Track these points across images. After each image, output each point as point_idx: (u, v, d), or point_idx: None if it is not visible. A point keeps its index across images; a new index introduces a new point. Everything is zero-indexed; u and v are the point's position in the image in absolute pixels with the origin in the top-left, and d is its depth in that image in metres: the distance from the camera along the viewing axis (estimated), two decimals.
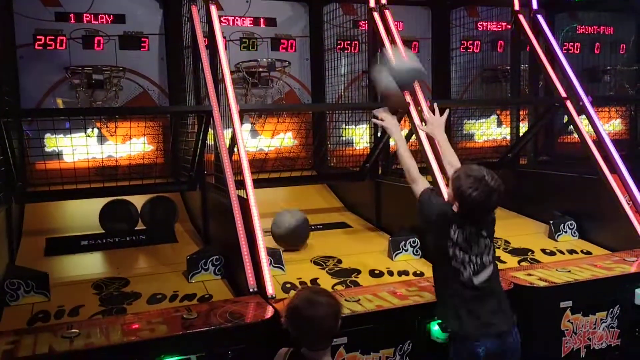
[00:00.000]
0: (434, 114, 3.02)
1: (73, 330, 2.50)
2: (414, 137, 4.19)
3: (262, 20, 5.48)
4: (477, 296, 2.56)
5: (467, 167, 2.61)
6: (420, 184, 2.74)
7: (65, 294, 3.19)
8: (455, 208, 2.59)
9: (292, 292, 3.21)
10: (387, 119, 2.98)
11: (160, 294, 3.21)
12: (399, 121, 4.26)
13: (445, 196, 2.71)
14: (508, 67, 5.64)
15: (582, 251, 4.06)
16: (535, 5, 5.00)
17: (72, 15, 4.87)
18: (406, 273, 3.57)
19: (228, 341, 2.55)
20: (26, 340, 2.44)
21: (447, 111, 3.03)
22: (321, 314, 2.11)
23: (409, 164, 2.80)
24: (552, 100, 4.78)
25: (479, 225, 2.59)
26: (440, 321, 2.71)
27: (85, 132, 4.37)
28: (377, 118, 3.02)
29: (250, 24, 5.45)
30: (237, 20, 5.41)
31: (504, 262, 3.77)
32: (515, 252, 4.00)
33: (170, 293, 3.23)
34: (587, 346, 3.23)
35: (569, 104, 4.57)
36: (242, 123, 3.73)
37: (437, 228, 2.63)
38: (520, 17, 4.95)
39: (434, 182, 3.83)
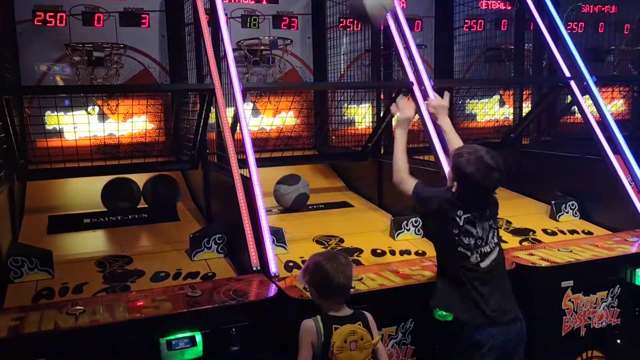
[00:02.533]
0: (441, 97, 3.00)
1: (78, 307, 2.51)
2: (417, 116, 4.18)
3: None
4: (485, 281, 2.53)
5: (466, 146, 2.62)
6: (410, 182, 2.73)
7: (69, 272, 3.20)
8: (454, 189, 2.58)
9: (295, 271, 3.23)
10: (404, 111, 2.91)
11: (163, 271, 3.23)
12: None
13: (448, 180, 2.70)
14: (512, 47, 5.59)
15: (583, 231, 4.08)
16: None
17: None
18: (408, 252, 3.59)
19: (232, 319, 2.56)
20: (31, 317, 2.45)
21: (447, 95, 3.00)
22: (341, 263, 2.44)
23: (402, 164, 2.77)
24: (556, 80, 4.75)
25: (482, 208, 2.58)
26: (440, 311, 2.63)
27: (87, 110, 4.34)
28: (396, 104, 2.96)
29: (251, 1, 5.39)
30: None
31: (506, 242, 3.78)
32: (516, 232, 4.01)
33: (174, 271, 3.24)
34: (588, 325, 3.26)
35: (573, 84, 4.55)
36: (244, 101, 3.70)
37: (439, 215, 2.60)
38: None
39: (436, 162, 3.83)
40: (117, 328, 2.42)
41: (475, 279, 2.53)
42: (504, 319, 2.53)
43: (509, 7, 5.15)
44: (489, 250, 2.57)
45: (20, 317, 2.45)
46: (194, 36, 4.30)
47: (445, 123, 3.03)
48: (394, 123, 4.62)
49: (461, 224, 2.54)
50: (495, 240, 2.61)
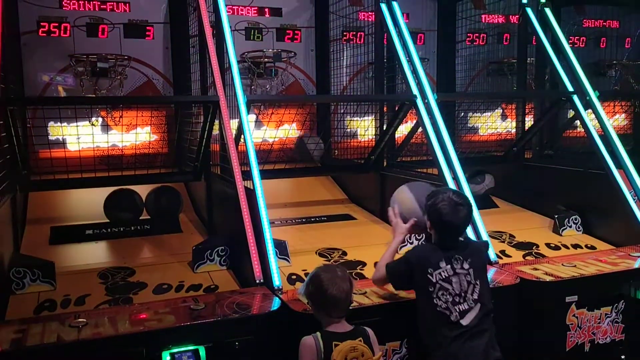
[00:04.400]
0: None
1: (80, 320, 2.50)
2: (420, 129, 4.19)
3: (267, 10, 5.44)
4: (467, 334, 2.51)
5: (435, 190, 2.73)
6: (379, 271, 2.81)
7: (71, 283, 3.18)
8: (433, 239, 2.66)
9: (298, 284, 3.21)
10: (399, 225, 2.92)
11: (166, 284, 3.22)
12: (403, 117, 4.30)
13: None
14: (514, 60, 5.61)
15: (586, 246, 4.07)
16: None
17: (76, 3, 4.84)
18: None
19: (235, 332, 2.55)
20: (34, 329, 2.44)
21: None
22: (337, 275, 2.45)
23: (380, 265, 2.82)
24: (558, 94, 4.77)
25: (458, 254, 2.59)
26: None
27: (90, 122, 4.35)
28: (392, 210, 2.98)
29: (255, 14, 5.42)
30: (242, 9, 5.38)
31: (509, 256, 3.78)
32: (520, 246, 4.00)
33: (176, 283, 3.23)
34: (592, 340, 3.24)
35: (575, 98, 4.56)
36: (248, 113, 3.71)
37: (416, 271, 2.60)
38: (528, 10, 4.92)
39: (439, 174, 3.83)
40: (120, 341, 2.40)
41: (456, 337, 2.50)
42: None
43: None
44: (467, 307, 2.54)
45: (23, 329, 2.44)
46: (197, 48, 4.32)
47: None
48: (396, 135, 4.67)
49: (437, 281, 2.55)
50: (475, 297, 2.57)
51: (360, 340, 2.42)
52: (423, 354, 2.64)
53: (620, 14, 6.62)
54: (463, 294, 2.55)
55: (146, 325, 2.49)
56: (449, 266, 2.57)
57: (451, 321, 2.52)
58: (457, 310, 2.53)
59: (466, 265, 2.60)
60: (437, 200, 2.61)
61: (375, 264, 3.52)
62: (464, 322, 2.53)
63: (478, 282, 2.60)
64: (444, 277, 2.56)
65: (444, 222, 2.59)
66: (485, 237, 3.59)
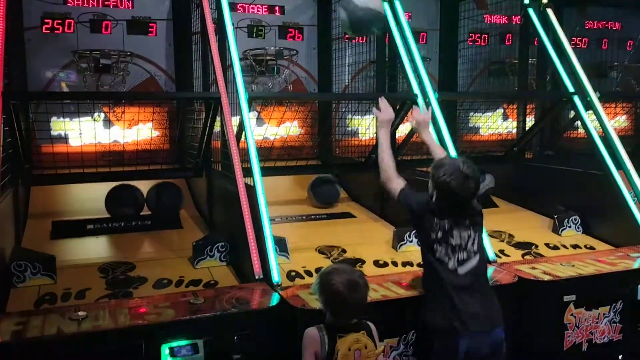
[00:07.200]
0: (421, 111, 3.04)
1: (80, 313, 2.52)
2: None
3: (267, 7, 5.44)
4: (463, 287, 2.57)
5: (443, 157, 2.73)
6: (397, 182, 2.80)
7: (72, 277, 3.20)
8: (433, 198, 2.64)
9: (297, 280, 3.23)
10: (385, 112, 2.96)
11: (166, 279, 3.23)
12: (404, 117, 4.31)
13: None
14: (516, 61, 5.62)
15: (585, 246, 4.07)
16: (544, 0, 4.98)
17: None
18: (410, 264, 3.58)
19: (234, 326, 2.57)
20: (34, 322, 2.46)
21: (429, 110, 3.02)
22: (344, 270, 2.45)
23: (388, 162, 2.83)
24: (559, 95, 4.78)
25: (460, 216, 2.62)
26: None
27: (93, 117, 4.37)
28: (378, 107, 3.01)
29: (258, 11, 5.43)
30: (244, 7, 5.39)
31: (508, 256, 3.79)
32: (519, 245, 4.01)
33: (176, 278, 3.25)
34: (589, 340, 3.25)
35: (576, 99, 4.57)
36: (249, 111, 3.73)
37: (419, 219, 2.67)
38: (530, 10, 4.93)
39: None
40: (119, 334, 2.43)
41: (453, 286, 2.56)
42: (480, 327, 2.55)
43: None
44: (465, 257, 2.60)
45: (23, 321, 2.46)
46: (200, 45, 4.34)
47: (427, 137, 3.08)
48: (397, 134, 4.68)
49: (438, 230, 2.60)
50: (475, 249, 2.63)
51: (363, 333, 2.46)
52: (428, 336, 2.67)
53: (622, 16, 6.62)
54: (464, 245, 2.60)
55: (146, 319, 2.52)
56: (452, 218, 2.61)
57: (448, 269, 2.57)
58: (456, 258, 2.58)
59: (467, 222, 2.63)
60: (447, 172, 2.54)
61: (375, 262, 3.58)
62: (461, 270, 2.58)
63: (476, 235, 2.65)
64: (446, 228, 2.60)
65: (453, 195, 2.56)
66: (484, 236, 3.60)
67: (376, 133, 2.94)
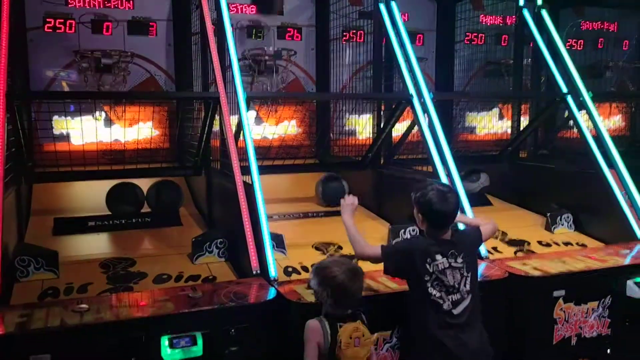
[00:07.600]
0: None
1: (83, 306, 2.60)
2: (415, 128, 4.28)
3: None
4: (458, 326, 2.61)
5: (419, 184, 2.81)
6: (372, 247, 2.84)
7: (74, 272, 3.28)
8: (425, 231, 2.73)
9: (294, 275, 3.31)
10: (349, 199, 3.01)
11: (165, 274, 3.31)
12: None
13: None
14: (511, 61, 5.69)
15: (577, 243, 4.15)
16: (539, 1, 5.05)
17: (81, 0, 4.93)
18: None
19: (232, 320, 2.65)
20: (38, 314, 2.54)
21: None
22: (344, 262, 2.58)
23: (358, 239, 2.86)
24: (553, 95, 4.85)
25: (454, 252, 2.68)
26: None
27: (94, 116, 4.44)
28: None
29: (257, 12, 5.49)
30: (243, 7, 5.46)
31: (500, 252, 3.86)
32: (511, 242, 4.08)
33: (176, 274, 3.32)
34: (578, 334, 3.33)
35: (570, 99, 4.64)
36: (248, 110, 3.80)
37: (414, 265, 2.67)
38: (525, 12, 5.00)
39: (434, 172, 3.92)
40: (120, 326, 2.50)
41: (447, 325, 2.61)
42: None
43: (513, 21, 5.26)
44: (462, 297, 2.65)
45: (27, 313, 2.54)
46: (200, 45, 4.40)
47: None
48: (394, 134, 4.76)
49: (431, 271, 2.64)
50: (468, 288, 2.68)
51: (359, 322, 2.56)
52: (409, 346, 2.74)
53: (618, 16, 6.68)
54: (457, 286, 2.65)
55: (146, 312, 2.59)
56: (444, 259, 2.67)
57: (444, 310, 2.62)
58: (450, 299, 2.63)
59: (460, 260, 2.69)
60: (426, 191, 2.69)
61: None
62: (456, 311, 2.63)
63: (469, 275, 2.70)
64: (440, 269, 2.65)
65: (435, 212, 2.66)
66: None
67: (342, 216, 2.97)
